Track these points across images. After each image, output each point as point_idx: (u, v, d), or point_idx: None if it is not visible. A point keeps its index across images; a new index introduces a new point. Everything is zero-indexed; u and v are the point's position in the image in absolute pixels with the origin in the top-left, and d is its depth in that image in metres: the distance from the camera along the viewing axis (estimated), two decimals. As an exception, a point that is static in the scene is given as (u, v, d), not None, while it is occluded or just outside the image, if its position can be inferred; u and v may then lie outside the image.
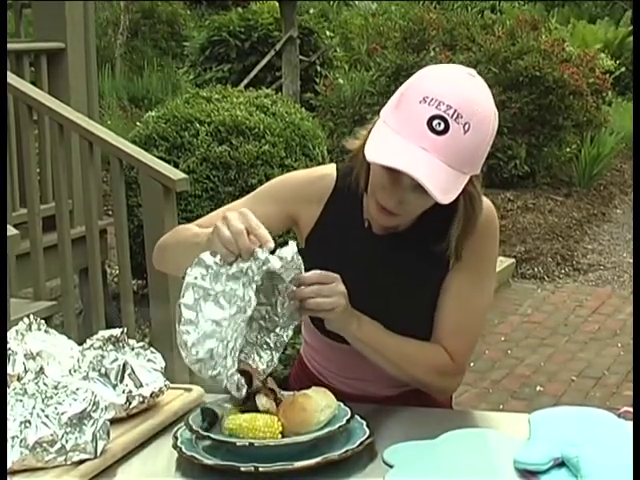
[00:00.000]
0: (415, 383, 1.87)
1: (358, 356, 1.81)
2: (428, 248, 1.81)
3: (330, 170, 1.90)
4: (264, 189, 1.92)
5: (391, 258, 1.84)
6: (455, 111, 1.60)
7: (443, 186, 1.61)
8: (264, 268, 1.54)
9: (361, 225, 1.85)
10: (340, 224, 1.85)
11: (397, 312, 1.82)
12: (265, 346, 1.64)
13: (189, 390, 1.84)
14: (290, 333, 1.66)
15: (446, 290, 1.82)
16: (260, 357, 1.63)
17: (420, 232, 1.81)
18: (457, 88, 1.64)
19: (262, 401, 1.57)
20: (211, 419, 1.59)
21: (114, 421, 1.63)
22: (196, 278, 1.53)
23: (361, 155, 1.71)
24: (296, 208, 1.87)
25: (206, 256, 1.55)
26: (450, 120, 1.60)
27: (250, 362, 1.60)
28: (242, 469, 1.48)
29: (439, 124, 1.60)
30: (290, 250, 1.59)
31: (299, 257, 1.60)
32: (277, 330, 1.65)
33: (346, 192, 1.84)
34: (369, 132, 1.71)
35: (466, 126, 1.61)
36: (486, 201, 1.80)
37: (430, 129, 1.60)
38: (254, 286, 1.54)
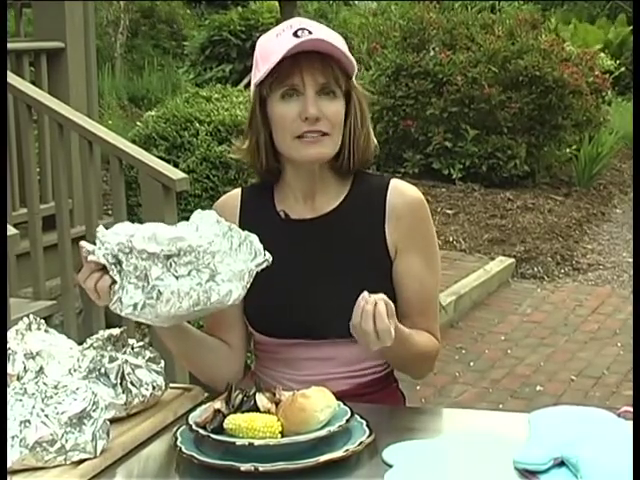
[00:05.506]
0: (414, 370, 1.99)
1: (309, 353, 1.88)
2: (341, 214, 1.93)
3: (234, 191, 2.04)
4: None
5: (312, 239, 1.93)
6: (306, 22, 1.86)
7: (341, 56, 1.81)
8: (116, 249, 1.81)
9: (277, 218, 1.95)
10: (258, 224, 1.91)
11: (332, 286, 1.89)
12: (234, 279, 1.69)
13: (189, 390, 1.84)
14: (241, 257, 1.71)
15: (405, 277, 1.91)
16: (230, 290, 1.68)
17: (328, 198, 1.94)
18: (295, 19, 1.90)
19: (262, 401, 1.57)
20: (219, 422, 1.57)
21: (114, 421, 1.63)
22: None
23: (251, 141, 1.95)
24: None
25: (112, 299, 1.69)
26: (308, 27, 1.83)
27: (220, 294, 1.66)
28: (242, 469, 1.48)
29: (303, 32, 1.82)
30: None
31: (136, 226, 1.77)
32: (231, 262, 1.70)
33: (254, 196, 1.99)
34: (247, 138, 1.96)
35: (321, 25, 1.87)
36: (414, 188, 1.95)
37: (298, 37, 1.81)
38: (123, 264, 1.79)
